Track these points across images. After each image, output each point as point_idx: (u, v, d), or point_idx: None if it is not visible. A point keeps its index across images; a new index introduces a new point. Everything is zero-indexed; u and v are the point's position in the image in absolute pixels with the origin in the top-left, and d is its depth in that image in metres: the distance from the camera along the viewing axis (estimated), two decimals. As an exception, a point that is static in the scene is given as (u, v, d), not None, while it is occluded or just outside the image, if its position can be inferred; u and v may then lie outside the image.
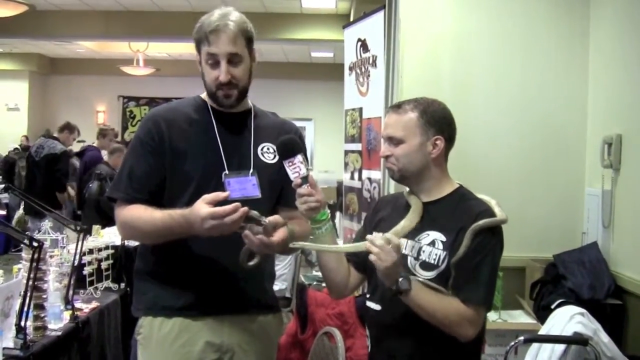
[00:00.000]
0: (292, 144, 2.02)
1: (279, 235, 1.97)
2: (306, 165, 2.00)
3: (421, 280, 1.96)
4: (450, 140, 2.08)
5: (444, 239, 2.00)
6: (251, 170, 2.17)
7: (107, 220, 4.62)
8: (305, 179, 1.98)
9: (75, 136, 7.94)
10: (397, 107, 2.09)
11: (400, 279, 1.89)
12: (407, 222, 2.03)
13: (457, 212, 2.02)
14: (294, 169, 1.99)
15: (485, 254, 1.96)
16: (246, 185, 2.15)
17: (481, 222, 1.97)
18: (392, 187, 3.78)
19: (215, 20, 2.10)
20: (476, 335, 1.96)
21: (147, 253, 2.23)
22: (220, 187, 2.11)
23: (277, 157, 2.11)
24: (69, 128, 7.77)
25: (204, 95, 2.26)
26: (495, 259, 2.00)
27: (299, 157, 1.99)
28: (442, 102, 2.11)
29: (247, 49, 2.15)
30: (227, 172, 2.14)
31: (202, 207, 1.91)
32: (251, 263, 2.02)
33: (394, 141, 2.07)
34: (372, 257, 1.88)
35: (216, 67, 2.11)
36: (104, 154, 7.67)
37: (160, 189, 2.15)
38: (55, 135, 7.70)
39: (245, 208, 1.90)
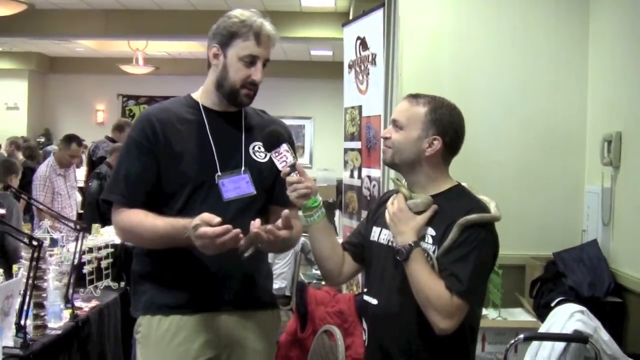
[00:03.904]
0: (275, 134, 2.07)
1: (285, 232, 1.99)
2: (292, 154, 2.04)
3: (431, 256, 1.97)
4: (451, 146, 2.07)
5: (433, 233, 2.01)
6: (243, 168, 2.18)
7: (107, 219, 4.64)
8: (293, 167, 2.01)
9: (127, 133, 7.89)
10: (413, 97, 2.11)
11: (402, 246, 1.95)
12: (419, 201, 2.03)
13: (449, 207, 2.02)
14: (281, 158, 2.02)
15: (472, 247, 1.94)
16: (240, 183, 2.17)
17: (470, 216, 1.96)
18: (391, 185, 3.78)
19: (262, 22, 2.15)
20: (453, 329, 1.92)
21: (144, 254, 2.24)
22: (214, 187, 2.13)
23: (267, 156, 2.12)
24: (118, 127, 7.79)
25: (195, 95, 2.27)
26: (482, 254, 1.96)
27: (285, 147, 2.03)
28: (459, 109, 2.10)
29: None
30: (219, 173, 2.15)
31: (197, 224, 1.93)
32: (246, 254, 2.02)
33: (396, 125, 2.08)
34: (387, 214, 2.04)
35: (250, 67, 2.14)
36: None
37: (155, 189, 2.15)
38: (110, 135, 7.72)
39: (238, 230, 1.91)
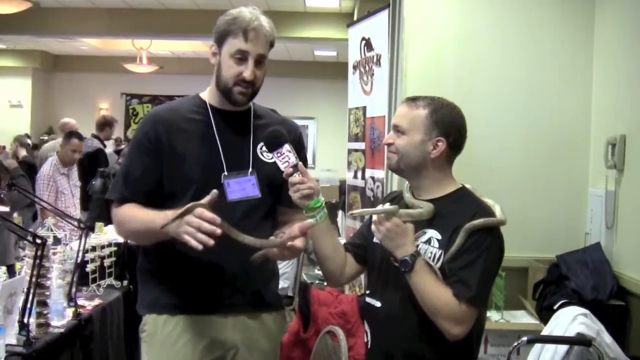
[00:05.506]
0: (277, 134, 2.06)
1: (299, 242, 1.99)
2: (295, 154, 2.03)
3: (432, 265, 1.96)
4: (455, 146, 2.08)
5: (439, 237, 2.01)
6: (250, 170, 2.17)
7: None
8: (295, 168, 2.01)
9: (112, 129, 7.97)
10: (412, 100, 2.11)
11: (405, 257, 1.93)
12: (424, 211, 2.02)
13: (455, 210, 2.02)
14: (283, 158, 2.02)
15: (479, 253, 1.94)
16: (245, 185, 2.16)
17: (476, 221, 1.96)
18: (395, 186, 3.78)
19: (253, 18, 2.11)
20: (464, 334, 1.94)
21: (150, 251, 2.24)
22: (220, 188, 2.10)
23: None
24: (101, 125, 7.83)
25: (203, 95, 2.26)
26: (489, 259, 1.97)
27: (287, 147, 2.03)
28: (458, 108, 2.10)
29: (268, 54, 2.18)
30: (226, 173, 2.14)
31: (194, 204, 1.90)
32: (258, 260, 2.03)
33: (398, 131, 2.08)
34: (373, 228, 2.00)
35: (242, 64, 2.11)
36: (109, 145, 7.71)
37: (158, 190, 2.15)
38: (95, 133, 7.81)
39: (219, 231, 1.85)
